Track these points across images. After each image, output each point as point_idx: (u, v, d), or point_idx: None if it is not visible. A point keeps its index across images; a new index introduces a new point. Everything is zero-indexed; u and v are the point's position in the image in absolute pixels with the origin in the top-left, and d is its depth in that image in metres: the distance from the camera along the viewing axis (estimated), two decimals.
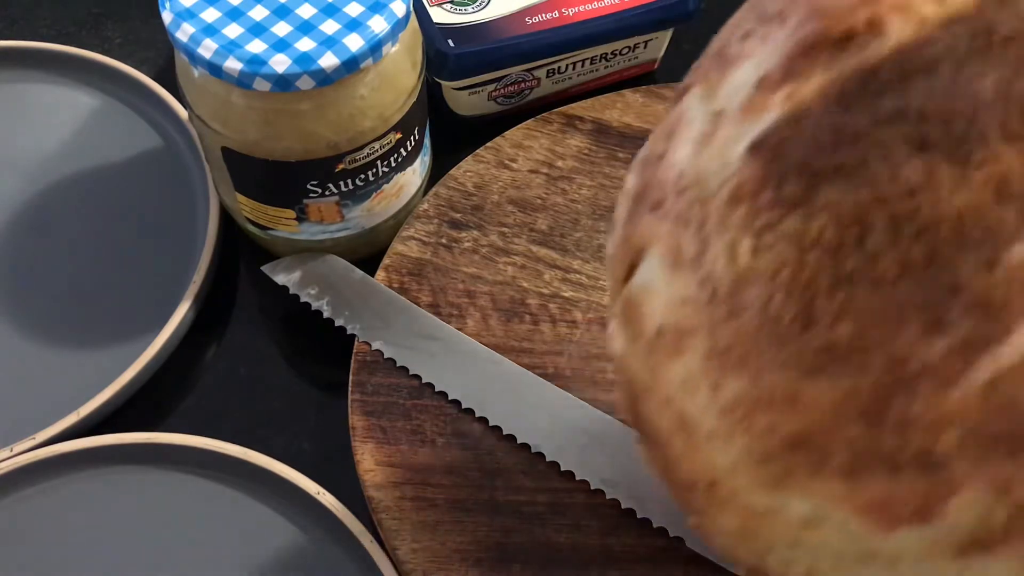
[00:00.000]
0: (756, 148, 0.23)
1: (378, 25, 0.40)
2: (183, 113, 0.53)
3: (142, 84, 0.54)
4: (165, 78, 0.55)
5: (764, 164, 0.22)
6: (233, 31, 0.39)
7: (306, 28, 0.40)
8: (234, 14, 0.40)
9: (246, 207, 0.46)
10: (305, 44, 0.39)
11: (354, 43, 0.39)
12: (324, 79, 0.39)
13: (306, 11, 0.40)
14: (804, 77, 0.23)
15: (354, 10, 0.40)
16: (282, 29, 0.40)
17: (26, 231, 0.50)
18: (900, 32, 0.21)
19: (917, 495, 0.21)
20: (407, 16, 0.41)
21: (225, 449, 0.42)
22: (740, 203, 0.22)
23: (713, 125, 0.24)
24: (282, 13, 0.40)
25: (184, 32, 0.39)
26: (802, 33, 0.23)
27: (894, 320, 0.20)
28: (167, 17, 0.40)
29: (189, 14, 0.40)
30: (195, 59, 0.39)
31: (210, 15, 0.40)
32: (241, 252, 0.51)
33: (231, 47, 0.39)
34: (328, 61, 0.39)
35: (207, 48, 0.39)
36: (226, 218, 0.49)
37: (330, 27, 0.40)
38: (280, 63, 0.38)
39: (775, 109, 0.23)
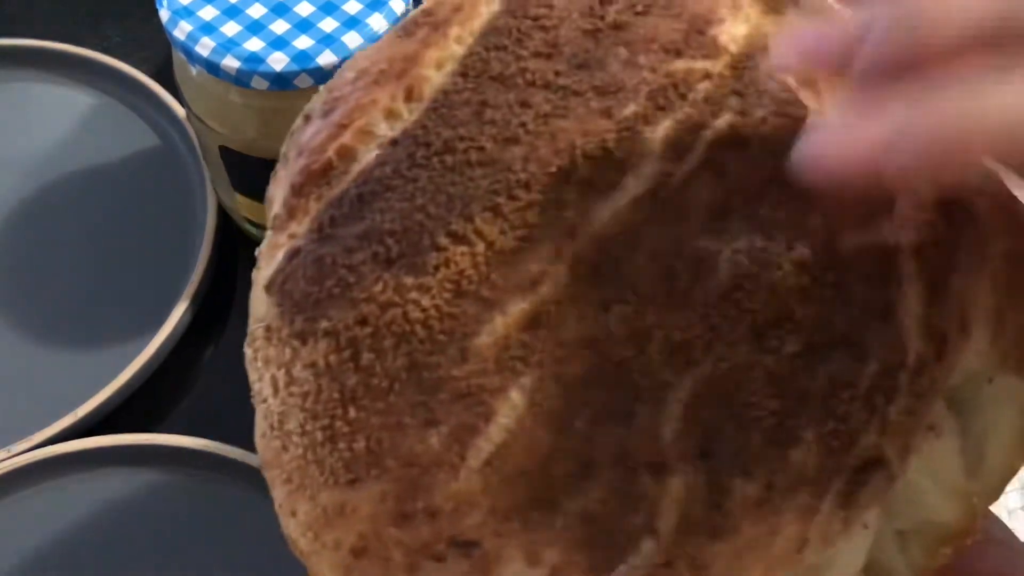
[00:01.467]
0: (269, 288, 0.25)
1: (377, 23, 0.39)
2: (181, 112, 0.52)
3: (140, 83, 0.54)
4: (163, 77, 0.54)
5: (278, 303, 0.24)
6: (231, 29, 0.39)
7: (304, 26, 0.39)
8: (232, 12, 0.40)
9: (244, 206, 0.46)
10: (303, 42, 0.39)
11: (353, 41, 0.39)
12: (323, 77, 0.39)
13: (304, 9, 0.40)
14: (302, 212, 0.25)
15: (353, 8, 0.40)
16: (280, 27, 0.39)
17: (22, 230, 0.50)
18: (365, 156, 0.24)
19: (466, 574, 0.21)
20: (406, 14, 0.41)
21: (223, 450, 0.42)
22: (271, 340, 0.24)
23: (257, 268, 0.26)
24: (280, 11, 0.40)
25: (182, 30, 0.39)
26: (295, 170, 0.25)
27: (395, 426, 0.22)
28: (165, 15, 0.40)
29: (187, 12, 0.39)
30: (193, 57, 0.39)
31: (208, 13, 0.40)
32: (239, 252, 0.51)
33: (229, 45, 0.39)
34: (327, 59, 0.38)
35: (205, 46, 0.39)
36: (224, 218, 0.49)
37: (328, 25, 0.39)
38: (278, 61, 0.38)
39: (283, 248, 0.25)
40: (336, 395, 0.23)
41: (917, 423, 0.22)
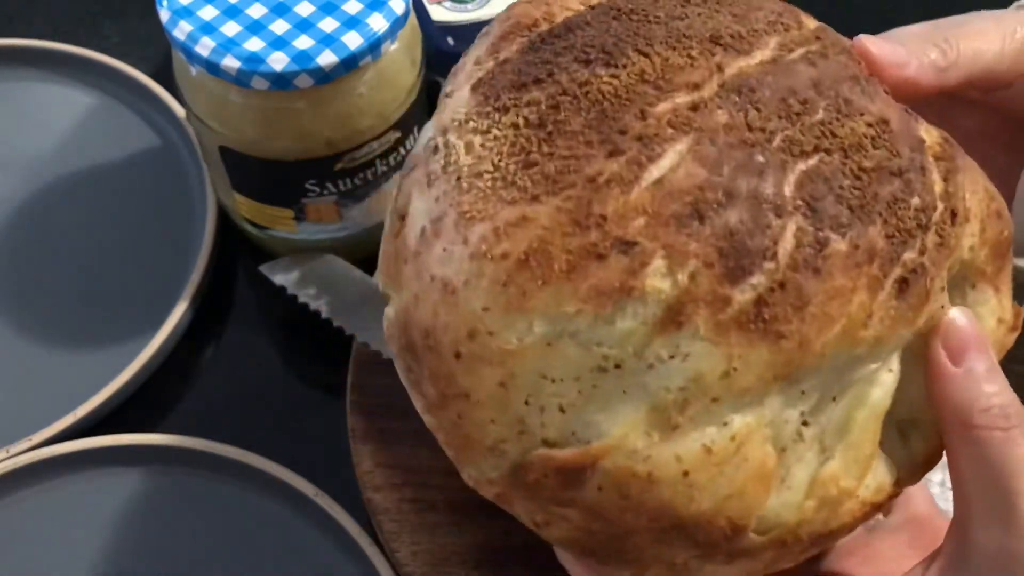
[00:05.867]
0: (475, 87, 0.31)
1: (377, 23, 0.39)
2: (181, 112, 0.52)
3: (140, 83, 0.54)
4: (163, 77, 0.54)
5: (483, 93, 0.30)
6: (231, 29, 0.39)
7: (304, 26, 0.39)
8: (232, 12, 0.40)
9: (244, 207, 0.46)
10: (303, 42, 0.39)
11: (353, 41, 0.39)
12: (323, 77, 0.39)
13: (305, 9, 0.40)
14: (506, 49, 0.32)
15: (353, 8, 0.40)
16: (280, 27, 0.39)
17: (21, 230, 0.50)
18: (563, 15, 0.32)
19: (621, 272, 0.27)
20: (406, 14, 0.41)
21: (223, 450, 0.42)
22: (469, 121, 0.30)
23: (443, 104, 0.32)
24: (280, 11, 0.40)
25: (182, 30, 0.39)
26: (500, 30, 0.33)
27: (584, 155, 0.28)
28: (164, 15, 0.40)
29: (187, 12, 0.39)
30: (193, 57, 0.39)
31: (208, 13, 0.39)
32: (239, 252, 0.51)
33: (229, 45, 0.39)
34: (327, 59, 0.38)
35: (204, 46, 0.39)
36: (224, 218, 0.49)
37: (329, 25, 0.39)
38: (278, 61, 0.38)
39: (488, 64, 0.32)
40: (533, 138, 0.29)
41: (938, 269, 0.29)
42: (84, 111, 0.54)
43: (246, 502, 0.42)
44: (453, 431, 0.31)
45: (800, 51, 0.31)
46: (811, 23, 0.33)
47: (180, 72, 0.42)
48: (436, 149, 0.31)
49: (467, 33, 0.50)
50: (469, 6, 0.50)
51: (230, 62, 0.38)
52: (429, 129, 0.32)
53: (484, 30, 0.35)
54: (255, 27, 0.39)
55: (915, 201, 0.29)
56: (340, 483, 0.42)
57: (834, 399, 0.29)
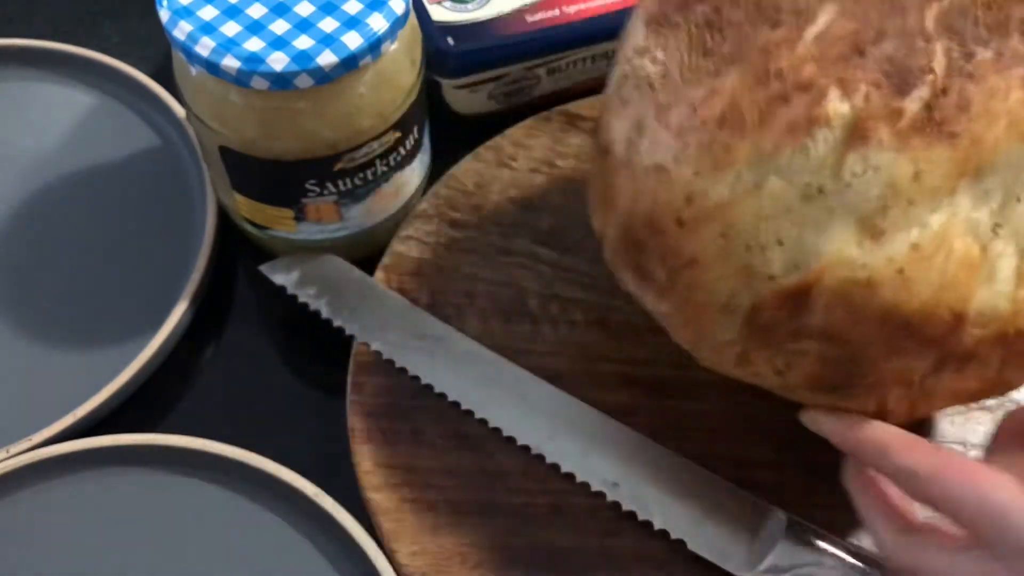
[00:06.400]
0: (648, 21, 0.36)
1: (377, 23, 0.39)
2: (181, 112, 0.52)
3: (140, 83, 0.54)
4: (163, 77, 0.54)
5: (656, 20, 0.35)
6: (231, 29, 0.39)
7: (304, 26, 0.39)
8: (232, 12, 0.40)
9: (244, 207, 0.46)
10: (303, 42, 0.39)
11: (353, 41, 0.39)
12: (323, 77, 0.39)
13: (305, 9, 0.40)
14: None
15: (353, 8, 0.40)
16: (280, 27, 0.39)
17: (21, 230, 0.50)
18: None
19: (805, 107, 0.31)
20: (406, 14, 0.41)
21: (223, 450, 0.42)
22: (647, 44, 0.35)
23: (621, 46, 0.38)
24: (280, 11, 0.40)
25: (182, 30, 0.39)
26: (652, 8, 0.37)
27: (751, 32, 0.33)
28: (164, 15, 0.40)
29: (187, 12, 0.39)
30: (193, 57, 0.39)
31: (208, 13, 0.39)
32: (239, 252, 0.51)
33: (229, 45, 0.39)
34: (327, 59, 0.38)
35: (205, 46, 0.39)
36: (224, 218, 0.49)
37: (329, 25, 0.39)
38: (278, 61, 0.38)
39: (651, 3, 0.36)
40: (706, 34, 0.34)
41: None
42: (84, 111, 0.54)
43: (245, 502, 0.42)
44: (685, 306, 0.35)
45: None
46: None
47: (180, 72, 0.42)
48: (625, 76, 0.36)
49: (467, 33, 0.50)
50: (469, 6, 0.50)
51: (230, 62, 0.38)
52: (614, 73, 0.37)
53: None
54: (255, 27, 0.39)
55: None
56: (340, 483, 0.42)
57: (1019, 199, 0.32)
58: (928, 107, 0.31)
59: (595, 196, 0.39)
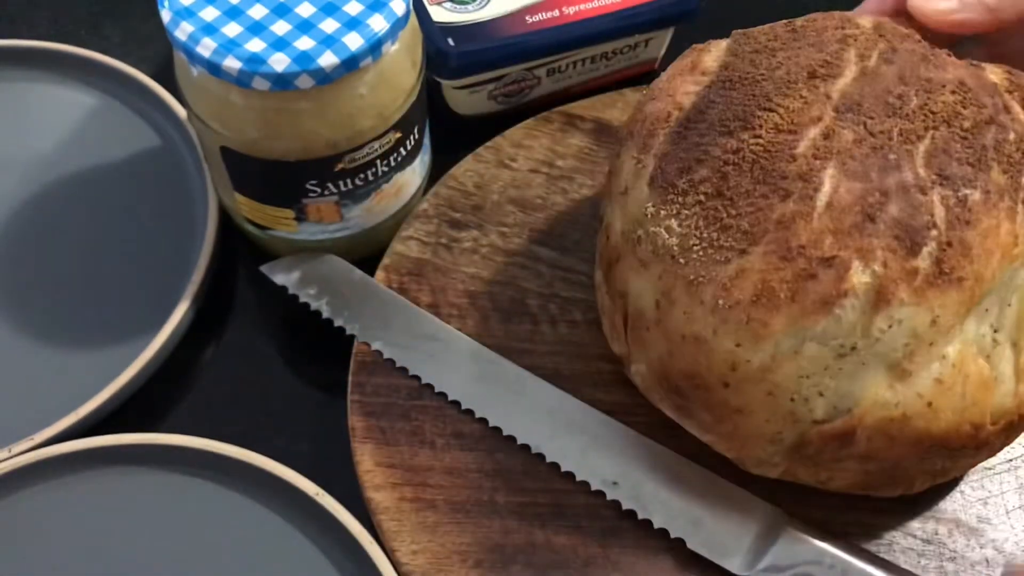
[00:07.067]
0: (651, 183, 0.38)
1: (378, 24, 0.40)
2: (182, 112, 0.52)
3: (141, 83, 0.54)
4: (164, 77, 0.54)
5: (660, 185, 0.37)
6: (232, 30, 0.39)
7: (305, 27, 0.39)
8: (233, 13, 0.40)
9: (245, 207, 0.46)
10: (304, 43, 0.39)
11: (354, 42, 0.39)
12: (323, 78, 0.39)
13: (305, 10, 0.40)
14: (655, 144, 0.39)
15: (354, 9, 0.40)
16: (281, 28, 0.39)
17: (23, 231, 0.50)
18: (686, 99, 0.40)
19: (833, 282, 0.34)
20: (407, 15, 0.41)
21: (224, 450, 0.42)
22: (659, 211, 0.37)
23: (619, 199, 0.40)
24: (281, 12, 0.40)
25: (183, 31, 0.39)
26: (643, 129, 0.40)
27: (763, 206, 0.35)
28: (166, 16, 0.40)
29: (188, 13, 0.40)
30: (194, 58, 0.39)
31: (209, 14, 0.40)
32: (240, 252, 0.51)
33: (230, 46, 0.39)
34: (327, 60, 0.39)
35: (206, 47, 0.39)
36: (225, 218, 0.49)
37: (329, 26, 0.39)
38: (279, 62, 0.38)
39: (648, 161, 0.39)
40: (719, 206, 0.36)
41: None
42: (85, 111, 0.55)
43: (246, 502, 0.42)
44: (733, 439, 0.38)
45: (875, 55, 0.38)
46: (866, 22, 0.40)
47: (181, 73, 0.42)
48: (639, 240, 0.38)
49: (467, 33, 0.50)
50: (469, 7, 0.51)
51: (231, 63, 0.38)
52: (616, 221, 0.40)
53: (622, 131, 0.42)
54: (256, 28, 0.39)
55: (1012, 136, 0.36)
56: (340, 483, 0.42)
57: (1009, 304, 0.36)
58: (937, 261, 0.34)
59: (614, 329, 0.41)
